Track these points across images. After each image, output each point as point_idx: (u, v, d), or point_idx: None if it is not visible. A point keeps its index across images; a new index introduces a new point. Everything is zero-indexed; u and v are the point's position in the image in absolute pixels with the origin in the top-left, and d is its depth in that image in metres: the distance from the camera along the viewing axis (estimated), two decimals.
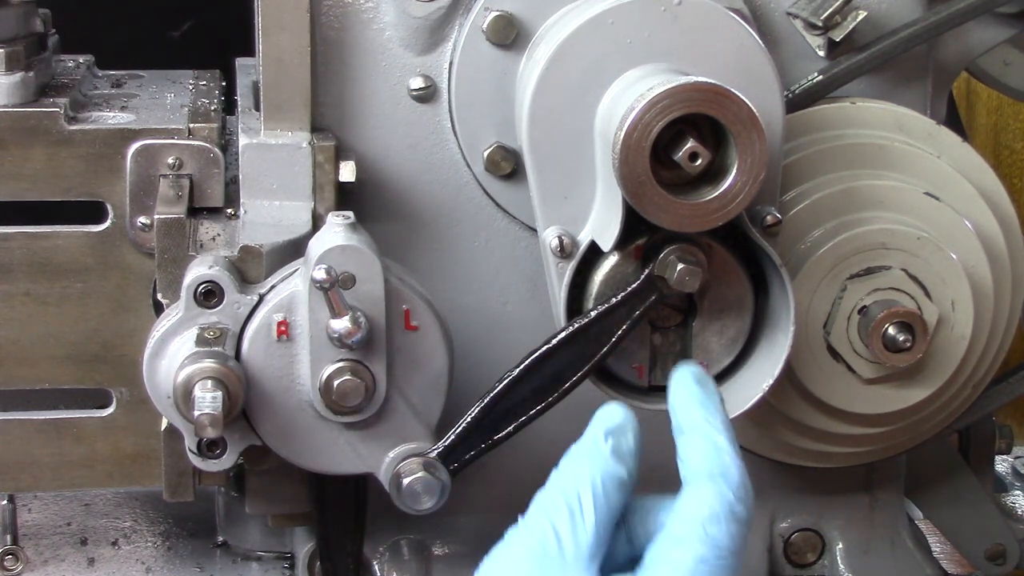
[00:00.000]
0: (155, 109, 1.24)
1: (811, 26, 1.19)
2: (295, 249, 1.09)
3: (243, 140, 1.13)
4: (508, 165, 1.16)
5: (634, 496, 0.94)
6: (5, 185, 1.15)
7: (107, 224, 1.17)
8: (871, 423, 1.21)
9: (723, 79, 0.98)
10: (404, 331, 1.05)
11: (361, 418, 1.05)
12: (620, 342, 1.04)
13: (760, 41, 1.05)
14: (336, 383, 1.03)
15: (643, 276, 1.03)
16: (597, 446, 0.93)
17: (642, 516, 0.95)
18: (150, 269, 1.14)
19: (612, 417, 0.95)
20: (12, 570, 1.32)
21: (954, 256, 1.16)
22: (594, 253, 1.06)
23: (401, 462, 1.05)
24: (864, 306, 1.15)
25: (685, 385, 0.97)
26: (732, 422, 1.05)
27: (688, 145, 0.98)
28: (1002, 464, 1.63)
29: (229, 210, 1.15)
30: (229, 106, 1.30)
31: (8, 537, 1.32)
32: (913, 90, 1.25)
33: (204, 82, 1.35)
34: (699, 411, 0.95)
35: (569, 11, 1.10)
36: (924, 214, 1.17)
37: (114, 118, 1.19)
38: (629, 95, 0.99)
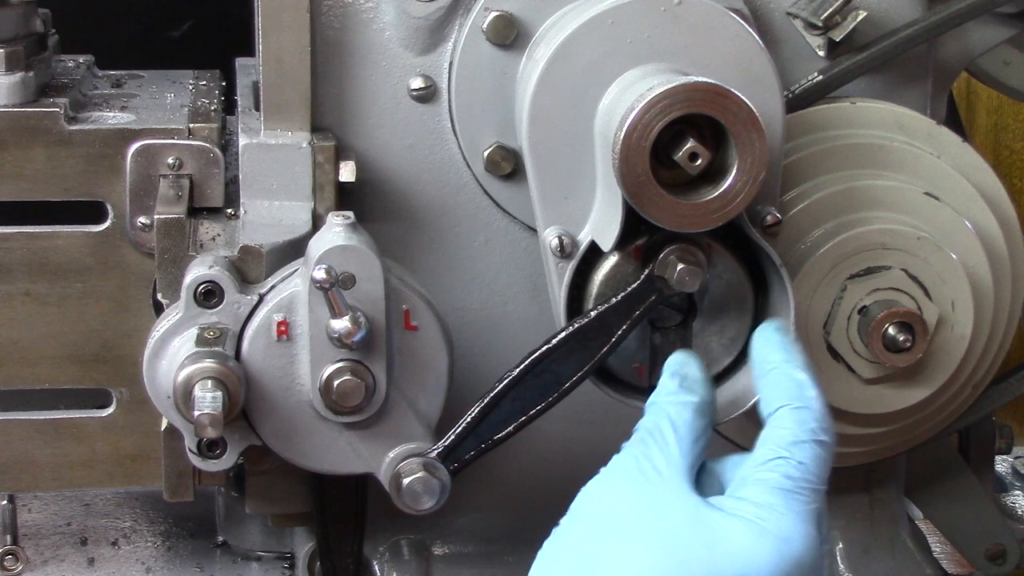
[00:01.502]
0: (155, 109, 1.24)
1: (811, 26, 1.19)
2: (295, 249, 1.09)
3: (243, 140, 1.13)
4: (508, 165, 1.16)
5: (720, 458, 0.99)
6: (5, 185, 1.15)
7: (107, 224, 1.17)
8: (871, 423, 1.21)
9: (723, 79, 0.98)
10: (404, 331, 1.05)
11: (361, 418, 1.05)
12: (620, 342, 1.03)
13: (760, 41, 1.05)
14: (336, 383, 1.03)
15: (643, 276, 1.03)
16: (664, 385, 0.99)
17: (730, 465, 0.98)
18: (150, 269, 1.14)
19: (675, 359, 1.01)
20: (12, 570, 1.32)
21: (954, 256, 1.16)
22: (594, 253, 1.06)
23: (401, 462, 1.05)
24: (864, 306, 1.15)
25: (766, 334, 1.02)
26: (731, 422, 1.06)
27: (688, 145, 0.98)
28: (1002, 464, 1.63)
29: (229, 210, 1.15)
30: (229, 106, 1.30)
31: (8, 537, 1.32)
32: (913, 90, 1.25)
33: (204, 82, 1.35)
34: (779, 354, 1.00)
35: (569, 11, 1.10)
36: (924, 214, 1.17)
37: (114, 118, 1.19)
38: (629, 95, 0.99)
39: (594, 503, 0.94)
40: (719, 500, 0.93)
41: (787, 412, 0.95)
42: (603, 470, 0.96)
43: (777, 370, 0.98)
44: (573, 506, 0.94)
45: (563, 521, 0.94)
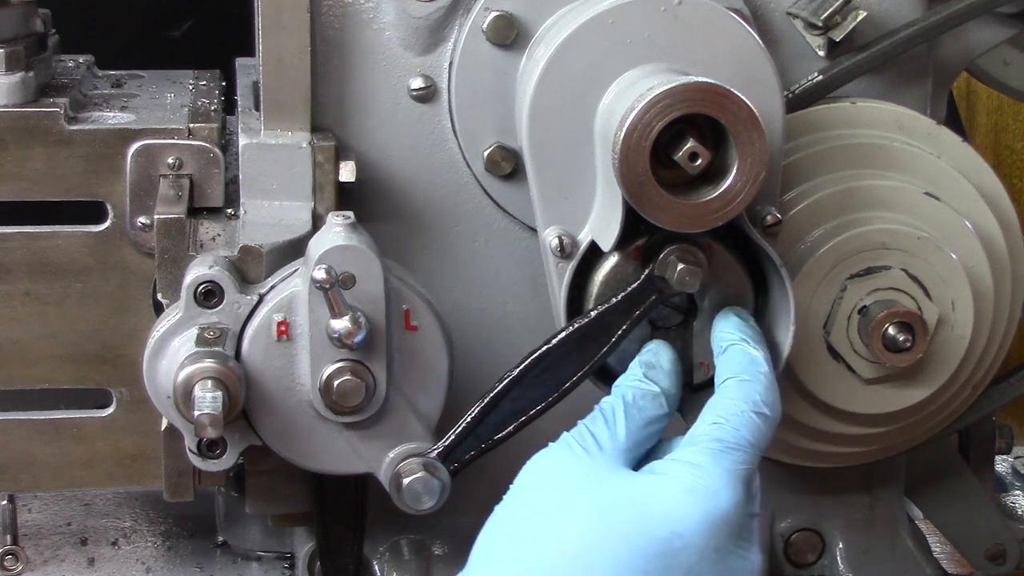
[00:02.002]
0: (155, 109, 1.24)
1: (811, 26, 1.19)
2: (295, 249, 1.09)
3: (243, 140, 1.13)
4: (508, 165, 1.16)
5: (672, 437, 1.01)
6: (5, 185, 1.15)
7: (107, 224, 1.17)
8: (871, 423, 1.21)
9: (723, 79, 0.98)
10: (404, 331, 1.05)
11: (361, 418, 1.05)
12: (620, 342, 1.04)
13: (760, 41, 1.05)
14: (336, 383, 1.03)
15: (643, 276, 1.03)
16: (631, 371, 1.02)
17: (677, 443, 0.99)
18: (150, 269, 1.14)
19: (647, 347, 1.04)
20: (12, 570, 1.32)
21: (954, 256, 1.16)
22: (594, 253, 1.06)
23: (401, 462, 1.05)
24: (864, 306, 1.15)
25: (726, 315, 1.04)
26: None
27: (688, 145, 0.98)
28: (1002, 464, 1.63)
29: (229, 210, 1.15)
30: (229, 106, 1.30)
31: (8, 537, 1.32)
32: (913, 90, 1.25)
33: (204, 82, 1.35)
34: (737, 332, 1.02)
35: (569, 11, 1.10)
36: (924, 214, 1.17)
37: (114, 118, 1.19)
38: (629, 95, 0.99)
39: (533, 477, 0.96)
40: (652, 464, 0.95)
41: (733, 383, 0.98)
42: (550, 444, 0.98)
43: (734, 346, 1.01)
44: (516, 480, 0.97)
45: (506, 496, 0.96)
